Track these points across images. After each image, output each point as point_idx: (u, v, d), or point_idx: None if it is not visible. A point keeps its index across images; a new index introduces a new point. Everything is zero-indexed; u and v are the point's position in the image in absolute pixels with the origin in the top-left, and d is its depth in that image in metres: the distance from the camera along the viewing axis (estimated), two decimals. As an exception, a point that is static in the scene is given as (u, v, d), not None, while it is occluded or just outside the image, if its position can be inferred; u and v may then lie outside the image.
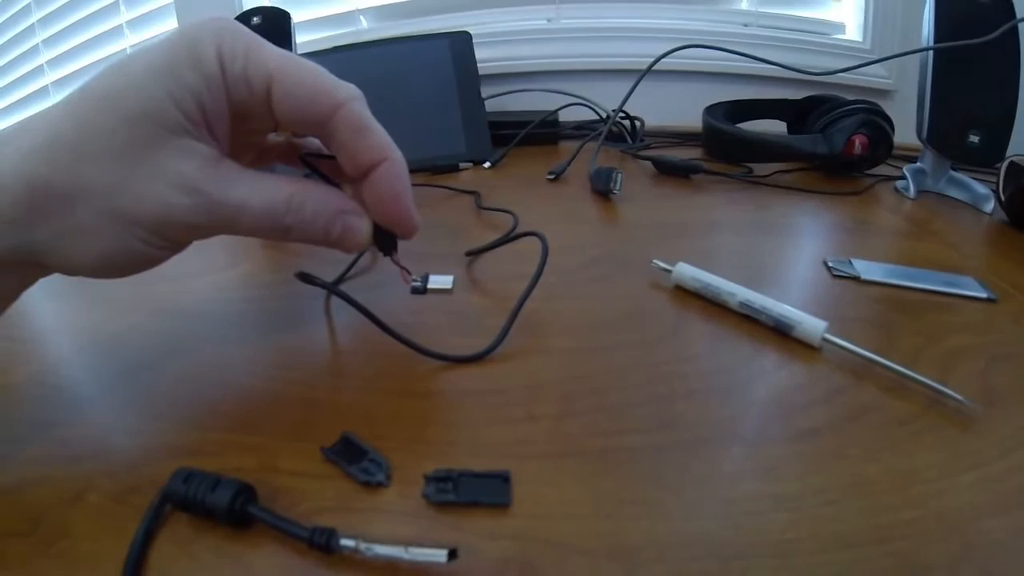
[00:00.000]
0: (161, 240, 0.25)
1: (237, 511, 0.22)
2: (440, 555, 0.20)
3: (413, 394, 0.30)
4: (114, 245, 0.24)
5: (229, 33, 0.25)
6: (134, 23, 1.00)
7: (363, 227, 0.29)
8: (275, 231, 0.26)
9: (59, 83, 1.09)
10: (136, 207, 0.23)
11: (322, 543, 0.21)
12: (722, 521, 0.22)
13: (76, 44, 1.05)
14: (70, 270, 0.24)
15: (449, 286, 0.40)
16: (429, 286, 0.40)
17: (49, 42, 1.08)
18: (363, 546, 0.20)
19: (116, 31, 1.02)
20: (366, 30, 0.93)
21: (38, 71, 1.10)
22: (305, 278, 0.33)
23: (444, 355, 0.32)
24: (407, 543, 0.20)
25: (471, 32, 0.75)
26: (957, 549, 0.21)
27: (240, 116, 0.26)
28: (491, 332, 0.33)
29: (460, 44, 0.75)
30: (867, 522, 0.22)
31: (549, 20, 0.90)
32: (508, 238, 0.44)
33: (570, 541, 0.22)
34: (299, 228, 0.27)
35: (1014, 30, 0.51)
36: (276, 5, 0.76)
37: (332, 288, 0.34)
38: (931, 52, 0.55)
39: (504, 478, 0.24)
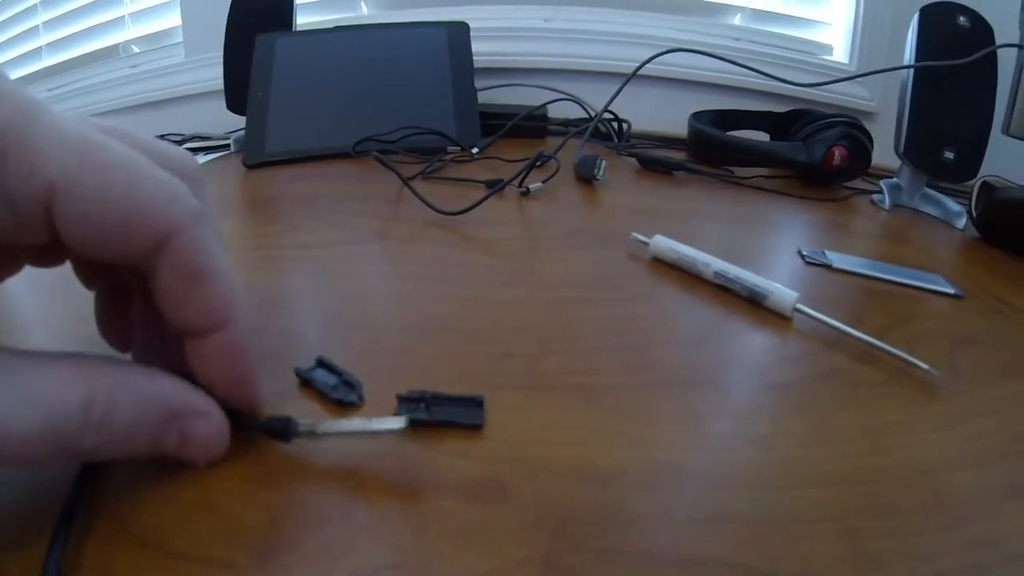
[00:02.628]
0: None
1: None
2: (398, 422, 0.20)
3: (389, 327, 0.30)
4: None
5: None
6: (137, 16, 1.00)
7: (212, 432, 0.20)
8: (65, 456, 0.17)
9: (53, 69, 1.07)
10: None
11: (278, 429, 0.21)
12: (696, 453, 0.23)
13: (76, 30, 1.04)
14: None
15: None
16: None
17: (50, 25, 1.06)
18: (320, 428, 0.21)
19: (118, 22, 1.01)
20: (366, 16, 0.93)
21: (35, 53, 1.09)
22: None
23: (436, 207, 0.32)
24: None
25: (469, 25, 0.75)
26: (927, 496, 0.21)
27: None
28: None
29: (458, 34, 0.75)
30: (838, 465, 0.22)
31: (546, 20, 0.92)
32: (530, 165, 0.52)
33: (543, 464, 0.22)
34: (106, 448, 0.17)
35: (992, 54, 0.54)
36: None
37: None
38: (912, 71, 0.57)
39: (478, 403, 0.24)
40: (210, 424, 0.20)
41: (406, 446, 0.22)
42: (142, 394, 0.18)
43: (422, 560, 0.18)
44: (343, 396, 0.24)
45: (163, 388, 0.19)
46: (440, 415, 0.23)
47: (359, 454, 0.21)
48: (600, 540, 0.19)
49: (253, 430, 0.21)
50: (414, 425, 0.22)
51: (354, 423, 0.21)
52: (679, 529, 0.19)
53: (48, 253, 0.21)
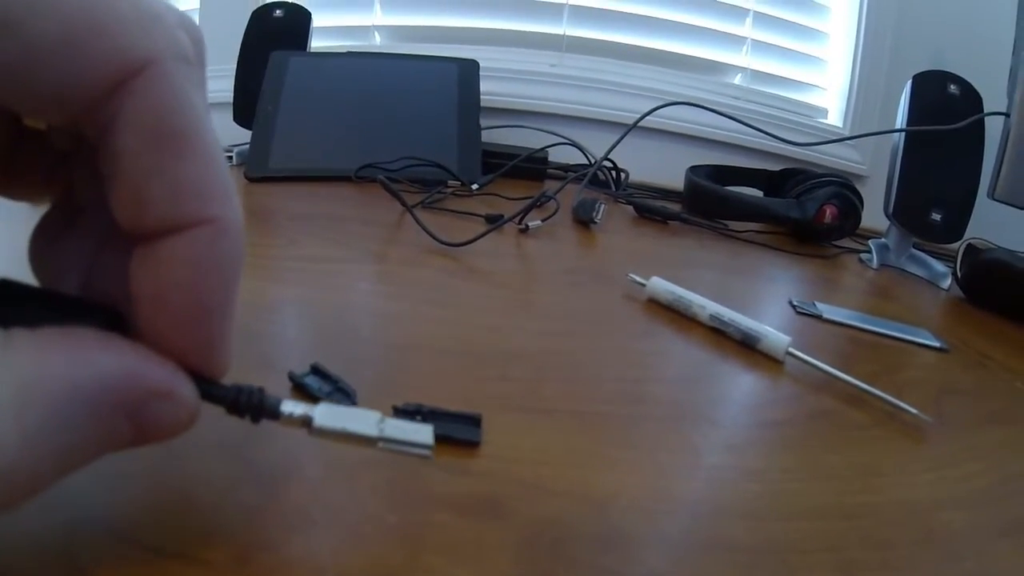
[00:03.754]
0: None
1: None
2: (425, 434, 0.18)
3: (386, 344, 0.30)
4: None
5: None
6: None
7: (180, 417, 0.14)
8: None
9: None
10: None
11: (253, 405, 0.16)
12: (693, 483, 0.22)
13: None
14: None
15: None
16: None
17: None
18: (317, 423, 0.16)
19: None
20: (379, 46, 0.96)
21: None
22: None
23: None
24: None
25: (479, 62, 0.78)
26: (918, 533, 0.21)
27: None
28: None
29: (467, 70, 0.77)
30: (832, 500, 0.22)
31: (552, 65, 0.94)
32: (532, 203, 0.53)
33: (540, 483, 0.21)
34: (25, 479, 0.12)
35: (980, 120, 0.56)
36: (299, 3, 0.78)
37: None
38: (903, 135, 0.59)
39: (475, 420, 0.24)
40: (177, 407, 0.14)
41: (403, 459, 0.22)
42: (70, 386, 0.12)
43: (413, 573, 0.17)
44: (338, 403, 0.24)
45: (103, 368, 0.13)
46: (437, 430, 0.23)
47: (350, 459, 0.21)
48: (597, 560, 0.18)
49: (217, 401, 0.16)
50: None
51: (360, 421, 0.17)
52: (677, 553, 0.19)
53: None
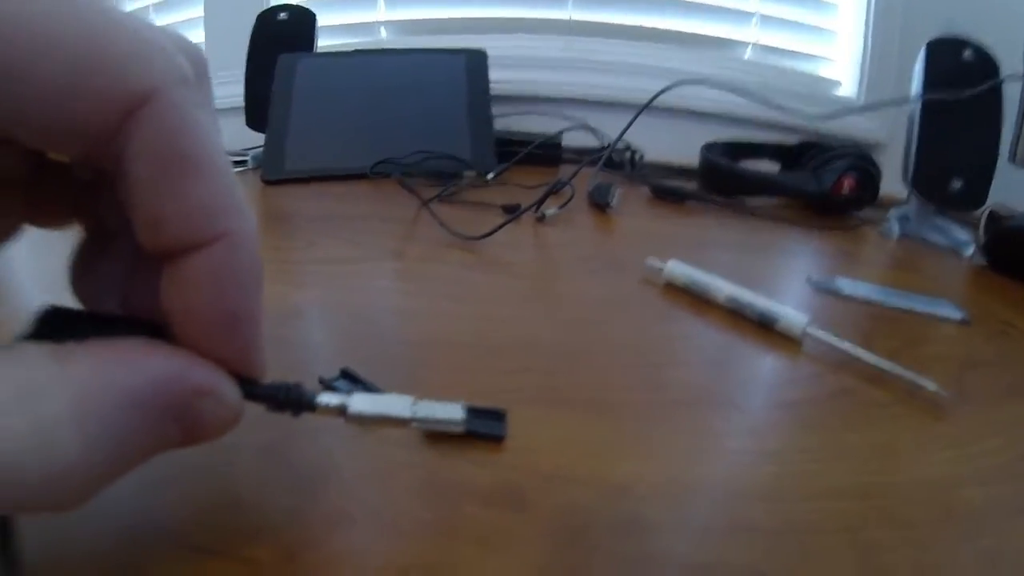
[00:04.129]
0: None
1: None
2: (456, 411, 0.19)
3: (409, 342, 0.31)
4: None
5: None
6: (161, 7, 1.03)
7: (226, 415, 0.15)
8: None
9: None
10: None
11: (292, 399, 0.17)
12: (712, 467, 0.23)
13: None
14: None
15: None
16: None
17: None
18: (352, 408, 0.18)
19: (142, 11, 1.04)
20: (385, 41, 0.96)
21: None
22: None
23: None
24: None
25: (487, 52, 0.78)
26: (937, 511, 0.22)
27: None
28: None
29: (475, 60, 0.77)
30: (850, 480, 0.23)
31: (562, 49, 0.94)
32: (548, 192, 0.53)
33: (561, 474, 0.22)
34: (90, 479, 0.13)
35: (997, 85, 0.55)
36: (304, 3, 0.78)
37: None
38: (919, 103, 0.58)
39: (500, 415, 0.25)
40: (221, 404, 0.15)
41: (430, 454, 0.23)
42: (124, 392, 0.13)
43: (448, 562, 0.18)
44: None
45: (152, 372, 0.14)
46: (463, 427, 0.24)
47: (384, 459, 0.22)
48: (619, 547, 0.19)
49: (259, 399, 0.17)
50: (436, 435, 0.23)
51: (393, 405, 0.19)
52: (696, 537, 0.20)
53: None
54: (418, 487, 0.21)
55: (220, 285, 0.14)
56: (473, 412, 0.24)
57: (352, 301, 0.35)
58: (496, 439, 0.24)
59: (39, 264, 0.29)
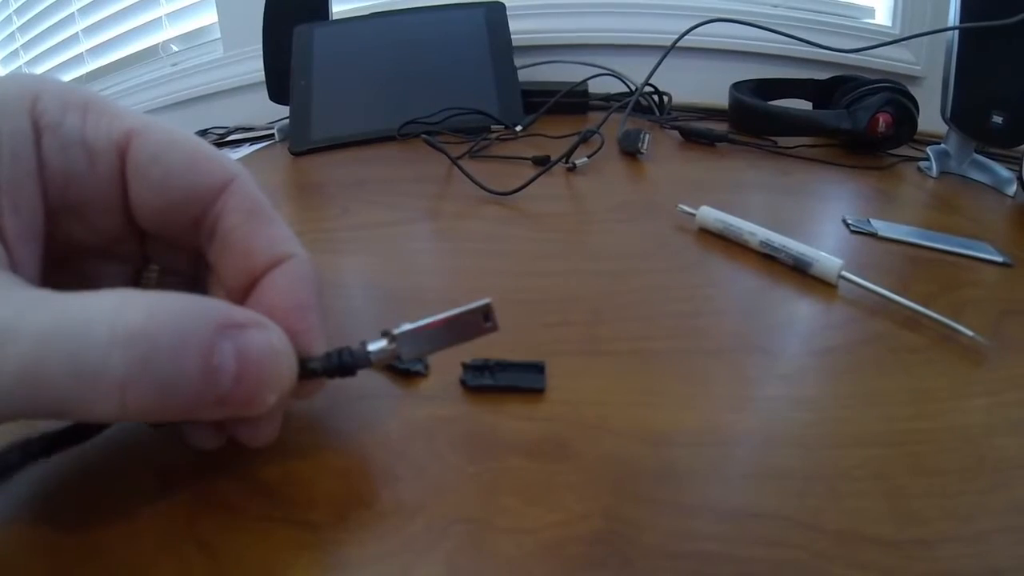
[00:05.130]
0: None
1: None
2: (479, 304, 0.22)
3: (448, 301, 0.32)
4: None
5: (55, 86, 0.18)
6: (174, 16, 1.03)
7: (274, 343, 0.18)
8: (92, 397, 0.15)
9: (96, 73, 1.11)
10: None
11: (345, 362, 0.20)
12: (746, 414, 0.24)
13: (116, 34, 1.07)
14: None
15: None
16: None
17: (89, 31, 1.10)
18: (396, 330, 0.21)
19: (155, 23, 1.04)
20: (401, 2, 0.94)
21: (78, 59, 1.12)
22: None
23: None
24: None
25: (504, 3, 0.76)
26: (969, 459, 0.22)
27: (63, 207, 0.19)
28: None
29: (494, 13, 0.76)
30: (883, 427, 0.23)
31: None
32: (577, 142, 0.54)
33: (601, 424, 0.23)
34: (146, 377, 0.15)
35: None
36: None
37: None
38: (957, 33, 0.56)
39: (539, 368, 0.26)
40: (268, 334, 0.18)
41: (472, 410, 0.24)
42: (182, 305, 0.16)
43: (491, 515, 0.19)
44: (410, 366, 0.26)
45: (205, 301, 0.17)
46: (504, 381, 0.25)
47: (426, 418, 0.23)
48: (656, 494, 0.20)
49: (318, 373, 0.20)
50: (479, 390, 0.24)
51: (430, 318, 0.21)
52: (730, 484, 0.21)
53: (113, 245, 0.21)
54: (461, 442, 0.22)
55: (294, 285, 0.20)
56: (513, 367, 0.26)
57: (389, 265, 0.36)
58: (536, 391, 0.25)
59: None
